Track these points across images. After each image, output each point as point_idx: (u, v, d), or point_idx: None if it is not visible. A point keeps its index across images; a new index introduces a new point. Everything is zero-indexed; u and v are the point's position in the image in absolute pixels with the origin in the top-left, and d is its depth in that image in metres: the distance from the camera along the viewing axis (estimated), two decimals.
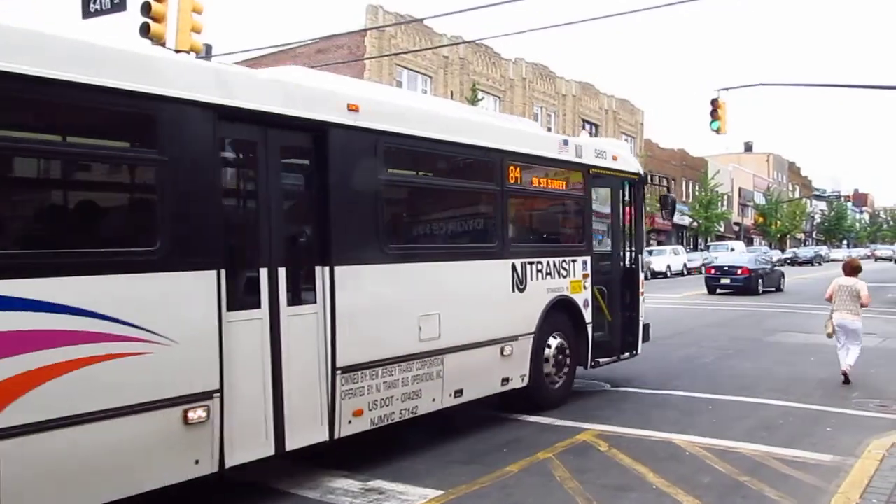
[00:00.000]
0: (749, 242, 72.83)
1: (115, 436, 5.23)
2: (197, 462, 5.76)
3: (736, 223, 76.16)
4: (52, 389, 4.87)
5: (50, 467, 4.86)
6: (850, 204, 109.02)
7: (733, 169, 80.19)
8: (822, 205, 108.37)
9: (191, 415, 5.67)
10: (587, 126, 48.86)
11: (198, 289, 5.77)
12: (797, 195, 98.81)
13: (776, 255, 60.72)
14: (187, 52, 14.84)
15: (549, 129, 39.55)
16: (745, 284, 30.68)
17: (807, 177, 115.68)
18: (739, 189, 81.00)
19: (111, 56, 5.41)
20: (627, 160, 11.39)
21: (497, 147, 8.78)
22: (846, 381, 11.64)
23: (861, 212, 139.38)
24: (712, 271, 31.91)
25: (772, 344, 16.03)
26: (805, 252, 70.00)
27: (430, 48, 33.40)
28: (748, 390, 11.01)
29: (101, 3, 14.28)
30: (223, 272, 5.88)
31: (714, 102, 23.38)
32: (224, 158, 6.17)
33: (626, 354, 11.23)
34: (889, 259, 78.77)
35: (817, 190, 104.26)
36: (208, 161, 5.91)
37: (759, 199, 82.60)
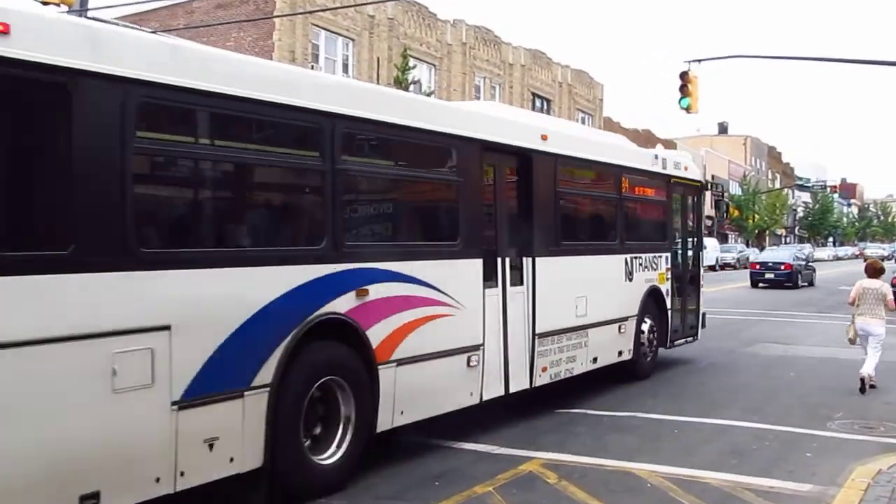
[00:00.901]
0: (723, 239, 74.37)
1: (438, 371, 8.99)
2: (471, 394, 9.57)
3: (708, 217, 77.73)
4: (415, 335, 8.63)
5: (411, 386, 8.57)
6: (836, 196, 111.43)
7: (705, 154, 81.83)
8: (806, 196, 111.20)
9: (471, 360, 9.50)
10: (538, 101, 49.33)
11: (473, 271, 9.64)
12: (778, 185, 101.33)
13: (753, 253, 62.33)
14: (56, 5, 14.43)
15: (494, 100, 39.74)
16: (788, 278, 39.29)
17: (789, 164, 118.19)
18: (712, 177, 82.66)
19: (441, 109, 10.43)
20: (694, 170, 15.72)
21: (618, 163, 13.09)
22: (863, 389, 12.50)
23: (849, 205, 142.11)
24: (757, 266, 40.91)
25: (751, 355, 16.44)
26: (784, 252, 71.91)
27: (353, 6, 33.30)
28: (719, 410, 11.29)
29: None
30: (482, 260, 9.75)
31: (684, 76, 23.79)
32: (484, 179, 10.00)
33: (690, 339, 15.40)
34: (882, 259, 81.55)
35: (800, 179, 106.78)
36: (478, 181, 9.83)
37: (735, 190, 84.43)
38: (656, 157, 14.40)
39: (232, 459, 6.66)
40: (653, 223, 14.54)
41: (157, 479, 6.16)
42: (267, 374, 6.96)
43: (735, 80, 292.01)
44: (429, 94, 32.33)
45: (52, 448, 5.51)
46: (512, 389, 10.18)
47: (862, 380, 12.66)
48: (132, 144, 6.07)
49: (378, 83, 31.39)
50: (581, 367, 11.68)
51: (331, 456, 7.71)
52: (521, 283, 10.47)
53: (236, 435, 6.71)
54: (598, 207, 13.10)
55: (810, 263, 43.90)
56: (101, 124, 5.89)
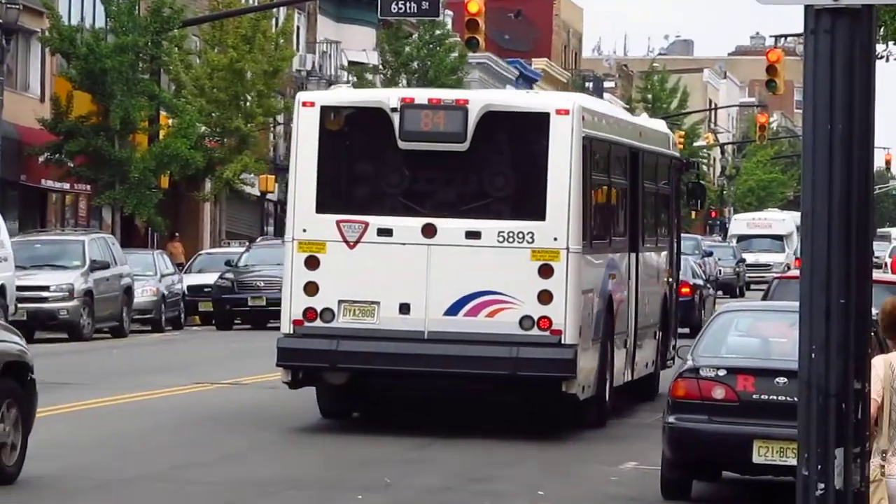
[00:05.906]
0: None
1: (620, 347, 12.63)
2: (624, 375, 12.80)
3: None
4: (620, 315, 12.50)
5: (618, 355, 12.43)
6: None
7: None
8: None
9: (626, 342, 12.72)
10: None
11: (628, 263, 12.73)
12: None
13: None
14: None
15: None
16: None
17: None
18: None
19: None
20: (675, 142, 16.64)
21: (651, 148, 14.20)
22: None
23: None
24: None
25: None
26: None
27: None
28: None
29: None
30: (629, 254, 13.01)
31: None
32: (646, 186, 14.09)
33: (671, 361, 13.55)
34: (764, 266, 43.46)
35: None
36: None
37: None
38: (668, 136, 14.98)
39: (591, 386, 11.31)
40: (665, 214, 14.59)
41: (588, 386, 11.01)
42: (599, 329, 11.53)
43: None
44: None
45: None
46: (623, 381, 12.65)
47: None
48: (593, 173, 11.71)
49: None
50: (644, 370, 13.31)
51: (608, 391, 11.89)
52: (630, 277, 12.75)
53: (595, 370, 11.45)
54: (646, 198, 13.65)
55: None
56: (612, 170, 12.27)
